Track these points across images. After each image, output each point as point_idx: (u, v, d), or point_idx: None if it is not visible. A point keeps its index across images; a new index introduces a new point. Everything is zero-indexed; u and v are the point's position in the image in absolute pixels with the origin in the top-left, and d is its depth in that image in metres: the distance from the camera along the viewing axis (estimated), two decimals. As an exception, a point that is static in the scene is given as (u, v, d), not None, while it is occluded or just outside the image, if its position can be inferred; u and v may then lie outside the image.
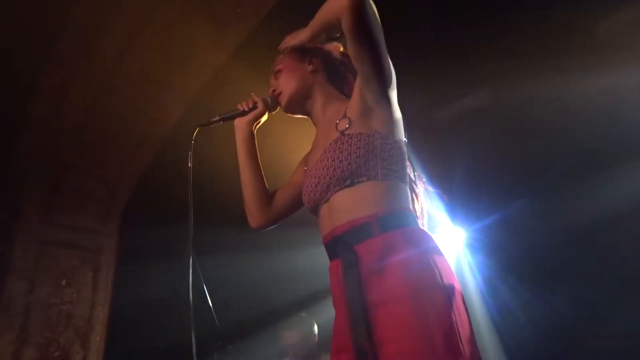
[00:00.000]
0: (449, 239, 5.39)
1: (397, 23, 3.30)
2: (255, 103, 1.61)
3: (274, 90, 1.62)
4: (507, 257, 4.73)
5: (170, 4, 3.03)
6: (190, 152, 1.57)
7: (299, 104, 1.59)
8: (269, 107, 1.62)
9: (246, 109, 1.61)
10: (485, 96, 3.96)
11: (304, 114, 1.63)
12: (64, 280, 3.80)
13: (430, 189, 1.67)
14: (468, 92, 4.00)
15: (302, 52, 1.61)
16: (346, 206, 1.31)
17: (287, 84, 1.58)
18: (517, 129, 3.89)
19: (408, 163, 1.42)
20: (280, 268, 4.86)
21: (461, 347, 1.09)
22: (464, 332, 1.12)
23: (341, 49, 1.63)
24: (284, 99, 1.59)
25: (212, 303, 3.35)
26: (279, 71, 1.61)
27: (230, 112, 1.62)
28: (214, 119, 1.60)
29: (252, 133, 1.63)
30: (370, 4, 1.31)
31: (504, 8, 3.23)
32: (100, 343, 3.89)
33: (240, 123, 1.63)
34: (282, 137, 3.01)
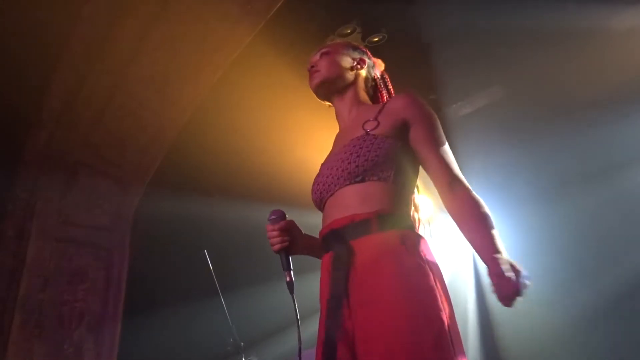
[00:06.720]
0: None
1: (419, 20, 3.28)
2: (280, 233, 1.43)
3: (312, 66, 1.60)
4: (524, 248, 4.67)
5: (182, 3, 3.04)
6: None
7: (328, 91, 1.58)
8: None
9: (283, 261, 1.41)
10: (498, 91, 3.92)
11: (328, 102, 1.62)
12: (78, 278, 3.84)
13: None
14: (482, 88, 3.97)
15: (354, 50, 1.63)
16: (350, 201, 1.30)
17: (327, 68, 1.56)
18: (529, 123, 3.85)
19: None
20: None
21: (451, 349, 1.08)
22: (454, 334, 1.12)
23: (382, 67, 1.68)
24: (317, 79, 1.56)
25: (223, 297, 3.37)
26: (327, 53, 1.60)
27: (284, 263, 1.41)
28: (288, 279, 1.39)
29: (302, 235, 1.47)
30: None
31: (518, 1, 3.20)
32: (114, 339, 3.92)
33: (293, 247, 1.44)
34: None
